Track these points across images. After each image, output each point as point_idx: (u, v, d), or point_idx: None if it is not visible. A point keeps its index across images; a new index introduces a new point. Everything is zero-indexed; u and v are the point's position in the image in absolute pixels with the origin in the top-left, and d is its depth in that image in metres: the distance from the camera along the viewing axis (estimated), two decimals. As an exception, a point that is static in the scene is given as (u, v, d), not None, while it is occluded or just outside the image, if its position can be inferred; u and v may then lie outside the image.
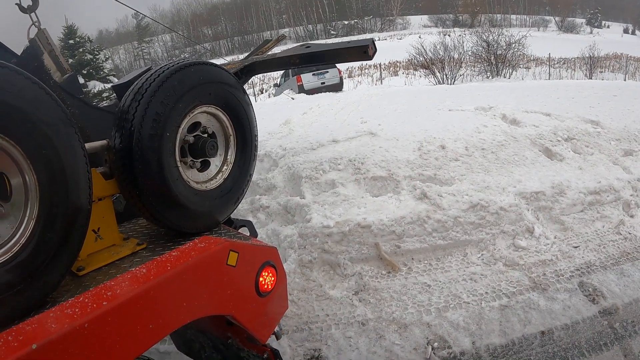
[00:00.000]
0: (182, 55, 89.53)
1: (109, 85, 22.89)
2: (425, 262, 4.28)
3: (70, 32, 26.38)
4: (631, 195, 5.27)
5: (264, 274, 2.33)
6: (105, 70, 27.27)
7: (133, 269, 1.92)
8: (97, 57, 26.78)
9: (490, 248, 4.39)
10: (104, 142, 2.24)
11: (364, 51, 3.81)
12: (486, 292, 3.93)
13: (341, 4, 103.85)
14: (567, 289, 3.95)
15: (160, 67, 2.31)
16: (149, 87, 2.16)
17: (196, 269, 1.98)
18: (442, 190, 4.68)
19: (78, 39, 26.56)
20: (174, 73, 2.24)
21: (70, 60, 24.24)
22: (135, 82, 2.26)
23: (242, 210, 4.80)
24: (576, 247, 4.52)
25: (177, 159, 2.29)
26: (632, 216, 5.06)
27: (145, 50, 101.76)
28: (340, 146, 5.57)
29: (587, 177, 5.35)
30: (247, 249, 2.25)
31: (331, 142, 5.69)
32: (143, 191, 2.16)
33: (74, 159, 1.77)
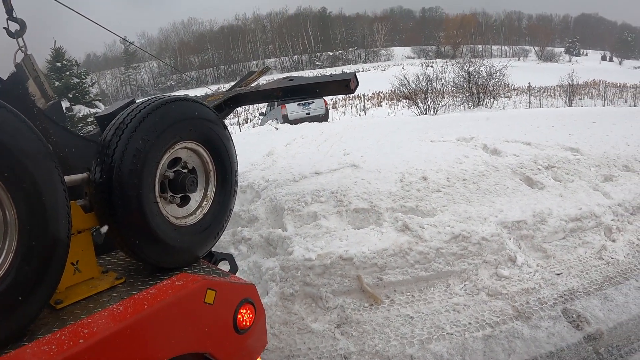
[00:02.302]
0: (168, 83, 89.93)
1: (94, 110, 22.81)
2: (408, 293, 4.27)
3: (57, 54, 26.26)
4: (612, 220, 5.36)
5: (242, 311, 2.32)
6: (91, 95, 27.08)
7: (110, 306, 1.91)
8: (84, 81, 26.59)
9: (473, 278, 4.39)
10: (84, 175, 2.24)
11: (346, 85, 3.84)
12: (469, 323, 3.93)
13: (326, 35, 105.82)
14: (551, 316, 3.96)
15: (142, 103, 2.33)
16: (129, 122, 2.18)
17: (173, 307, 1.97)
18: (423, 222, 4.70)
19: (65, 62, 26.42)
20: (154, 109, 2.26)
21: (57, 83, 24.09)
22: (117, 117, 2.27)
23: (223, 242, 4.78)
24: (559, 274, 4.56)
25: (157, 194, 2.29)
26: (613, 241, 5.14)
27: (132, 76, 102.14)
28: (323, 178, 5.58)
29: (568, 204, 5.43)
30: (225, 286, 2.24)
31: (314, 174, 5.70)
32: (122, 225, 2.16)
33: (53, 193, 1.77)
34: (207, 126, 2.55)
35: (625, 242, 5.14)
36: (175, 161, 2.48)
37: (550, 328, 3.84)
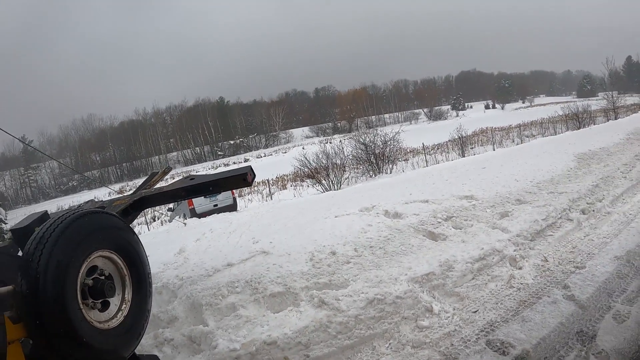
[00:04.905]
0: (70, 184, 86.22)
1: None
2: (336, 364, 4.36)
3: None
4: (515, 251, 5.83)
5: None
6: (-10, 199, 25.48)
7: None
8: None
9: (396, 335, 4.53)
10: (10, 287, 2.30)
11: (243, 179, 4.12)
12: (401, 377, 4.02)
13: (226, 124, 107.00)
14: (477, 350, 4.12)
15: (59, 217, 2.48)
16: (49, 236, 2.32)
17: None
18: (338, 294, 4.87)
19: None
20: (71, 223, 2.42)
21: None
22: (37, 231, 2.41)
23: (147, 345, 4.67)
24: (475, 311, 4.80)
25: (79, 301, 2.39)
26: (520, 268, 5.54)
27: (32, 178, 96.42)
28: (236, 269, 5.63)
29: (471, 247, 5.86)
30: None
31: (226, 266, 5.73)
32: (49, 333, 2.23)
33: None
34: (118, 234, 2.71)
35: (531, 267, 5.56)
36: (93, 269, 2.59)
37: (479, 362, 4.01)
